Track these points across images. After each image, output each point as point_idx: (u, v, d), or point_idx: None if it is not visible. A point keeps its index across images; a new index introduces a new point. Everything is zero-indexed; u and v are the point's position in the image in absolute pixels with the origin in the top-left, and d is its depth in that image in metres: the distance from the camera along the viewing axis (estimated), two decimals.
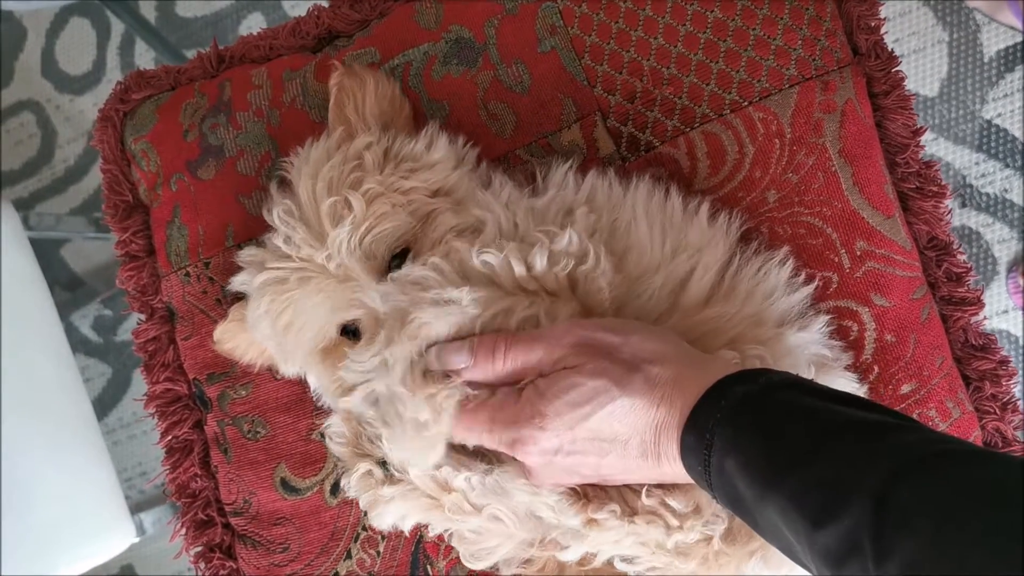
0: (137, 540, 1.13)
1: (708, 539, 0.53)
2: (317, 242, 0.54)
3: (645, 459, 0.49)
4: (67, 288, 1.73)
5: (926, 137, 1.40)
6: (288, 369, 0.63)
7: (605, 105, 0.64)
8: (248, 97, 0.71)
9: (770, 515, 0.43)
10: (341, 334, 0.58)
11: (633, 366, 0.49)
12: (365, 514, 0.65)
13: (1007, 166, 1.37)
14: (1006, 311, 1.39)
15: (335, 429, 0.60)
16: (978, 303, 0.62)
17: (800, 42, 0.61)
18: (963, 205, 1.40)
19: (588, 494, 0.52)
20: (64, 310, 1.66)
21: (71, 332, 1.70)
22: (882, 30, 0.64)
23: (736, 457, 0.44)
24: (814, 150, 0.60)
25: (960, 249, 0.63)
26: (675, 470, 0.48)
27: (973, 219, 1.40)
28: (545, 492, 0.52)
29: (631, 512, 0.51)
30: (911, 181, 0.63)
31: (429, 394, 0.49)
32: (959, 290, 0.62)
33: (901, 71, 0.63)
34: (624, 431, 0.48)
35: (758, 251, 0.58)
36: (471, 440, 0.52)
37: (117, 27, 1.70)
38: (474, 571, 0.62)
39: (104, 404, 1.72)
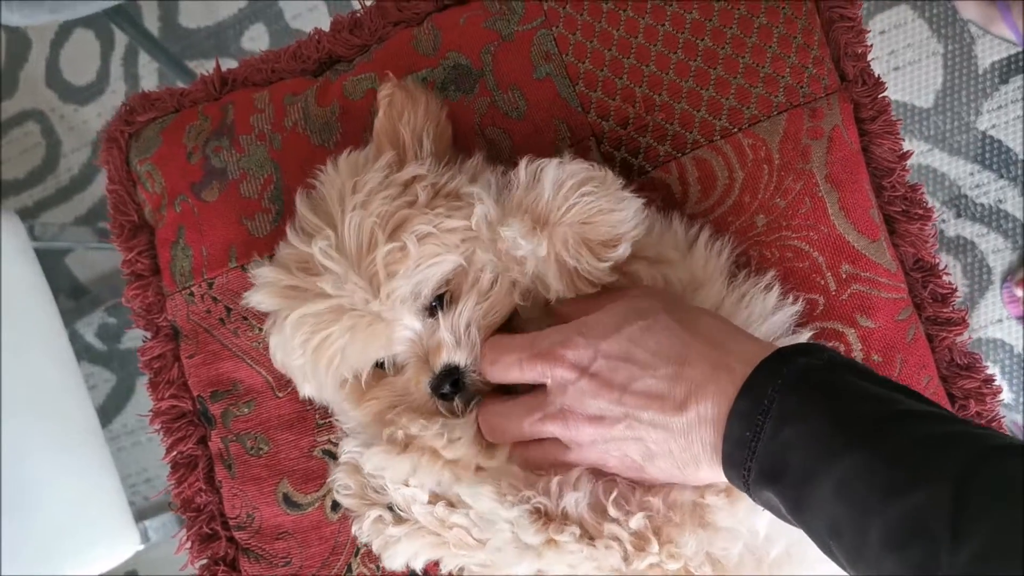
0: (142, 547, 1.14)
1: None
2: (368, 285, 0.54)
3: (671, 398, 0.48)
4: (71, 296, 1.75)
5: (921, 148, 1.41)
6: (307, 391, 0.62)
7: (599, 131, 0.66)
8: (251, 120, 0.72)
9: (822, 491, 0.42)
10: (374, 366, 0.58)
11: (683, 303, 0.52)
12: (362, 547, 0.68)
13: (1002, 177, 1.39)
14: (1000, 320, 1.40)
15: (341, 482, 0.61)
16: (963, 323, 0.63)
17: (788, 70, 0.63)
18: (958, 216, 1.42)
19: (550, 513, 0.52)
20: (68, 318, 1.68)
21: (75, 340, 1.72)
22: (869, 56, 0.65)
23: (798, 426, 0.43)
24: (801, 176, 0.62)
25: (946, 270, 0.64)
26: (701, 433, 0.47)
27: (968, 229, 1.42)
28: (507, 506, 0.53)
29: (590, 536, 0.51)
30: (897, 204, 0.64)
31: None
32: (944, 310, 0.64)
33: (887, 97, 0.65)
34: (656, 351, 0.49)
35: (747, 278, 0.60)
36: (501, 370, 0.54)
37: (120, 38, 1.72)
38: None
39: (108, 411, 1.73)
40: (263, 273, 0.59)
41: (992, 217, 1.40)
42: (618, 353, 0.50)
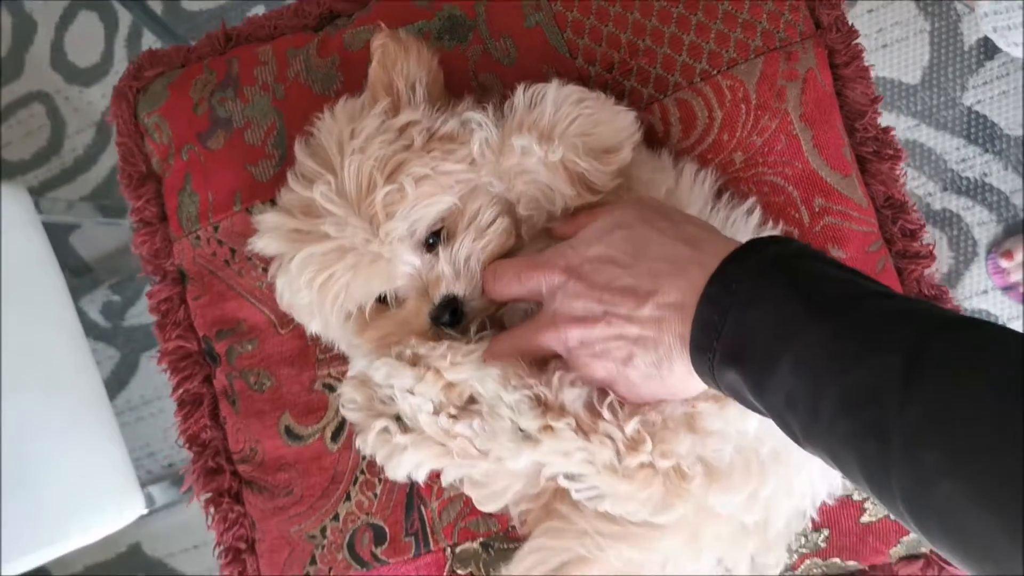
0: (147, 512, 1.17)
1: (683, 475, 0.55)
2: (368, 226, 0.56)
3: (644, 291, 0.51)
4: (76, 274, 1.78)
5: (908, 124, 1.44)
6: (314, 327, 0.65)
7: (586, 75, 0.69)
8: (254, 73, 0.76)
9: (782, 367, 0.44)
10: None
11: (666, 213, 0.55)
12: (363, 460, 0.71)
13: (987, 151, 1.42)
14: (985, 291, 1.43)
15: (347, 396, 0.63)
16: (930, 256, 0.66)
17: (765, 16, 0.66)
18: (944, 189, 1.45)
19: (549, 404, 0.55)
20: (73, 296, 1.70)
21: (80, 317, 1.74)
22: (842, 6, 0.68)
23: (763, 308, 0.46)
24: (777, 115, 0.65)
25: (914, 207, 0.67)
26: (671, 324, 0.50)
27: (954, 203, 1.45)
28: (510, 390, 0.56)
29: (586, 430, 0.54)
30: (869, 145, 0.67)
31: None
32: (913, 245, 0.67)
33: (860, 44, 0.68)
34: (635, 254, 0.53)
35: (728, 204, 0.63)
36: (503, 286, 0.58)
37: (124, 20, 1.75)
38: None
39: (111, 387, 1.75)
40: (267, 219, 0.62)
41: (977, 190, 1.43)
42: (601, 256, 0.54)
